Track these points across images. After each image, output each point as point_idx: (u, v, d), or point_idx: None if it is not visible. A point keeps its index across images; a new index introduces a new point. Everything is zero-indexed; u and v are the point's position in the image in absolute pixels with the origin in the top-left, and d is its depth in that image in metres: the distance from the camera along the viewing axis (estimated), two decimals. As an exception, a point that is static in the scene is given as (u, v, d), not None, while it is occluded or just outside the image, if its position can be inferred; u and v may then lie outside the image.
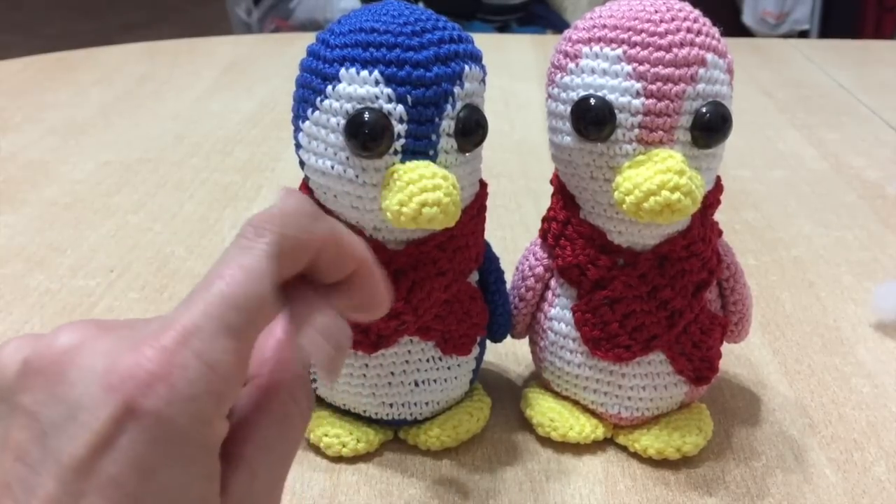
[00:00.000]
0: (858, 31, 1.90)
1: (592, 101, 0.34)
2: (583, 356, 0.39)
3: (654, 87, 0.33)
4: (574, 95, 0.35)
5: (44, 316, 0.52)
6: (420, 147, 0.33)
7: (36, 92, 0.94)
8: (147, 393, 0.20)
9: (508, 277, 0.42)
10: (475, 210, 0.37)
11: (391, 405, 0.39)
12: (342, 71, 0.33)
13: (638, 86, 0.34)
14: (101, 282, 0.56)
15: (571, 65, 0.35)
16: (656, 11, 0.34)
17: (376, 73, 0.33)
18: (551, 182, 0.40)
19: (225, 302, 0.21)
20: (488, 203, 0.39)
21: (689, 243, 0.37)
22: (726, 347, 0.42)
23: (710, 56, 0.34)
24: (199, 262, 0.58)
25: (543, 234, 0.40)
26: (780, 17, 1.93)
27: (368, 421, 0.40)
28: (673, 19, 0.34)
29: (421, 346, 0.38)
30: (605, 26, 0.34)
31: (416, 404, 0.39)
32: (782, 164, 0.76)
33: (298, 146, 0.36)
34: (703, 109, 0.34)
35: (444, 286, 0.37)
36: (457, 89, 0.34)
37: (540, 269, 0.40)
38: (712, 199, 0.37)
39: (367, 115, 0.32)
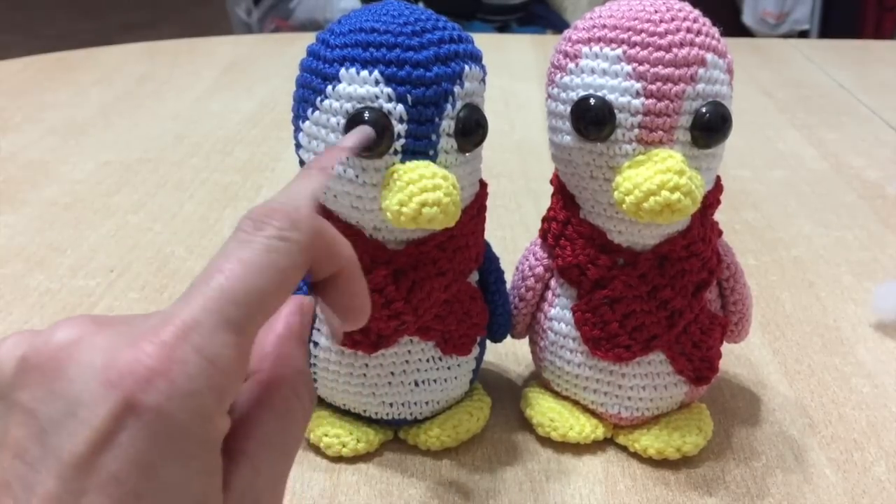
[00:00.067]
0: (858, 31, 1.90)
1: (592, 101, 0.34)
2: (583, 356, 0.39)
3: (653, 87, 0.33)
4: (574, 95, 0.35)
5: (44, 316, 0.52)
6: (420, 147, 0.33)
7: (36, 92, 0.94)
8: (147, 388, 0.20)
9: (508, 277, 0.42)
10: (475, 210, 0.37)
11: (391, 405, 0.39)
12: (342, 71, 0.33)
13: (638, 86, 0.34)
14: (101, 282, 0.56)
15: (571, 65, 0.35)
16: (656, 11, 0.34)
17: (376, 72, 0.33)
18: (551, 182, 0.40)
19: (224, 296, 0.21)
20: (488, 203, 0.39)
21: (689, 243, 0.37)
22: (726, 347, 0.42)
23: (710, 56, 0.34)
24: (199, 262, 0.58)
25: (543, 234, 0.40)
26: (780, 17, 1.93)
27: (368, 421, 0.40)
28: (673, 19, 0.34)
29: (421, 346, 0.38)
30: (604, 26, 0.34)
31: (416, 404, 0.39)
32: (782, 164, 0.76)
33: (298, 146, 0.36)
34: (703, 109, 0.34)
35: (444, 286, 0.37)
36: (457, 89, 0.34)
37: (540, 269, 0.40)
38: (712, 199, 0.37)
39: (367, 115, 0.32)
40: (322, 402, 0.41)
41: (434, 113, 0.33)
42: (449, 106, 0.34)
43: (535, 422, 0.41)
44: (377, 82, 0.33)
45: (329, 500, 0.38)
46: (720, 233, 0.39)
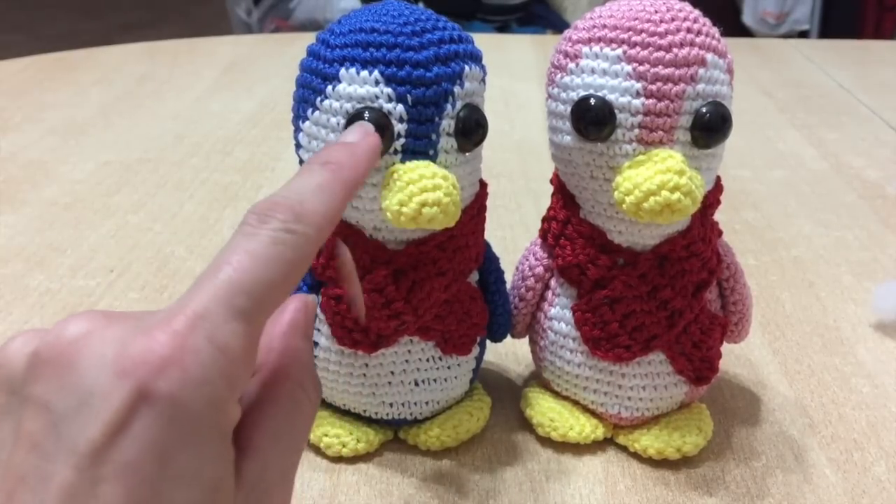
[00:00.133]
0: (858, 31, 1.90)
1: (592, 101, 0.34)
2: (583, 356, 0.39)
3: (654, 87, 0.33)
4: (574, 95, 0.35)
5: (44, 316, 0.52)
6: (420, 147, 0.33)
7: (36, 92, 0.94)
8: (160, 377, 0.20)
9: (508, 277, 0.42)
10: (475, 210, 0.37)
11: (391, 405, 0.39)
12: (342, 71, 0.33)
13: (638, 86, 0.34)
14: (101, 282, 0.56)
15: (571, 65, 0.35)
16: (656, 11, 0.34)
17: (376, 72, 0.33)
18: (551, 182, 0.40)
19: (233, 287, 0.21)
20: (488, 203, 0.39)
21: (689, 243, 0.37)
22: (726, 347, 0.42)
23: (710, 56, 0.34)
24: (199, 262, 0.58)
25: (543, 233, 0.40)
26: (780, 17, 1.93)
27: (368, 421, 0.40)
28: (673, 19, 0.34)
29: (421, 345, 0.38)
30: (605, 26, 0.34)
31: (416, 404, 0.39)
32: (782, 164, 0.76)
33: (298, 146, 0.36)
34: (703, 109, 0.34)
35: (444, 286, 0.37)
36: (457, 89, 0.34)
37: (540, 269, 0.40)
38: (712, 199, 0.37)
39: (367, 115, 0.32)
40: (322, 402, 0.41)
41: (434, 113, 0.33)
42: (449, 106, 0.34)
43: (535, 422, 0.41)
44: (377, 82, 0.33)
45: (329, 500, 0.38)
46: (720, 233, 0.39)
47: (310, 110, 0.34)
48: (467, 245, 0.37)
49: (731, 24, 1.91)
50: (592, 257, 0.37)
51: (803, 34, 1.94)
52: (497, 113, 0.85)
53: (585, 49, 0.35)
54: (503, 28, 1.94)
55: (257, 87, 0.97)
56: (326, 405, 0.41)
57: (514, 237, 0.61)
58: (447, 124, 0.34)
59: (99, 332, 0.21)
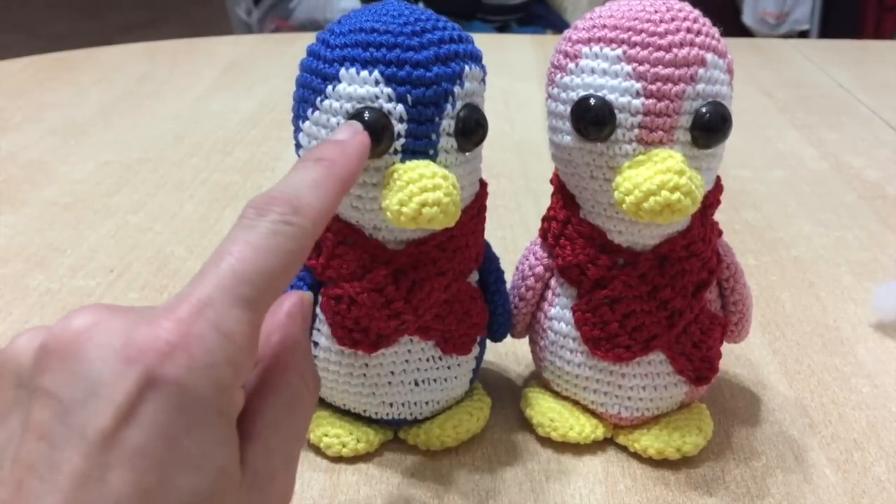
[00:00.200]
0: (858, 31, 1.91)
1: (592, 101, 0.34)
2: (583, 356, 0.39)
3: (653, 87, 0.33)
4: (574, 95, 0.35)
5: (44, 316, 0.52)
6: (420, 146, 0.33)
7: (36, 92, 0.94)
8: (166, 362, 0.20)
9: (508, 277, 0.42)
10: (475, 210, 0.37)
11: (391, 405, 0.39)
12: (342, 71, 0.33)
13: (638, 86, 0.34)
14: (101, 282, 0.56)
15: (571, 65, 0.35)
16: (656, 11, 0.34)
17: (376, 72, 0.33)
18: (551, 182, 0.40)
19: (236, 276, 0.22)
20: (488, 203, 0.39)
21: (689, 243, 0.37)
22: (726, 347, 0.42)
23: (710, 56, 0.34)
24: (199, 262, 0.58)
25: (543, 233, 0.40)
26: (780, 17, 1.93)
27: (368, 421, 0.40)
28: (673, 19, 0.34)
29: (421, 345, 0.38)
30: (604, 26, 0.34)
31: (416, 404, 0.39)
32: (782, 164, 0.76)
33: (298, 146, 0.36)
34: (703, 109, 0.34)
35: (444, 286, 0.37)
36: (457, 89, 0.34)
37: (540, 269, 0.40)
38: (712, 199, 0.37)
39: (367, 115, 0.32)
40: (322, 402, 0.41)
41: (434, 113, 0.33)
42: (449, 106, 0.34)
43: (535, 422, 0.41)
44: (377, 82, 0.33)
45: (329, 500, 0.38)
46: (720, 233, 0.39)
47: (310, 110, 0.34)
48: (467, 245, 0.37)
49: (731, 24, 1.91)
50: (592, 257, 0.37)
51: (803, 34, 1.94)
52: (497, 113, 0.85)
53: (585, 49, 0.35)
54: (503, 28, 1.94)
55: (257, 87, 0.97)
56: (326, 405, 0.41)
57: (514, 237, 0.61)
58: (447, 124, 0.34)
59: (105, 322, 0.21)
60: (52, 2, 3.17)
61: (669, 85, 0.33)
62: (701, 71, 0.34)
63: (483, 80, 0.36)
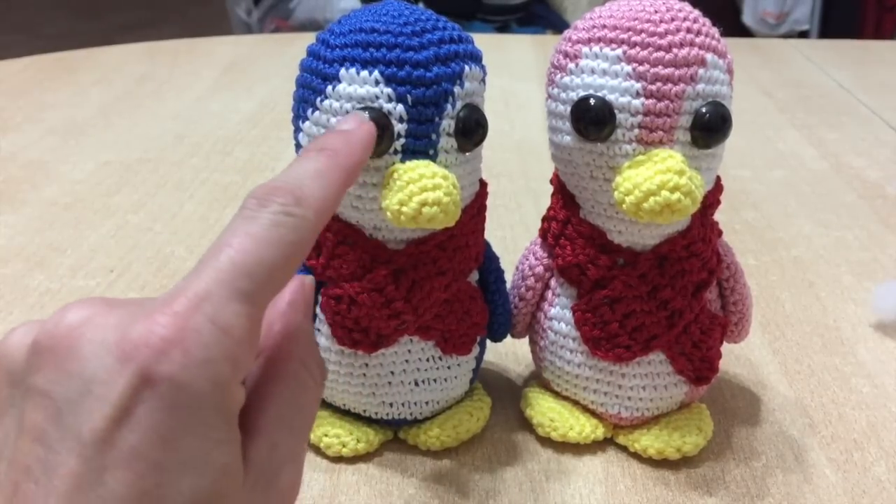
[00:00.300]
0: (858, 31, 1.90)
1: (592, 101, 0.34)
2: (583, 356, 0.39)
3: (653, 87, 0.33)
4: (574, 95, 0.35)
5: (44, 316, 0.51)
6: (420, 146, 0.33)
7: (36, 92, 0.94)
8: (161, 359, 0.19)
9: (508, 277, 0.42)
10: (475, 209, 0.37)
11: (391, 405, 0.39)
12: (342, 71, 0.33)
13: (638, 86, 0.34)
14: (101, 282, 0.56)
15: (571, 65, 0.35)
16: (656, 11, 0.34)
17: (376, 73, 0.33)
18: (551, 182, 0.40)
19: (235, 268, 0.21)
20: (488, 203, 0.39)
21: (689, 243, 0.37)
22: (726, 347, 0.42)
23: (709, 56, 0.34)
24: (199, 262, 0.58)
25: (543, 233, 0.40)
26: (780, 17, 1.93)
27: (368, 421, 0.40)
28: (673, 19, 0.34)
29: (421, 345, 0.38)
30: (604, 26, 0.34)
31: (416, 404, 0.39)
32: (782, 164, 0.76)
33: (298, 146, 0.36)
34: (703, 109, 0.34)
35: (444, 286, 0.37)
36: (457, 89, 0.34)
37: (540, 269, 0.40)
38: (712, 199, 0.37)
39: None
40: (322, 402, 0.41)
41: (434, 113, 0.33)
42: (449, 106, 0.34)
43: (535, 422, 0.41)
44: (377, 82, 0.33)
45: (329, 500, 0.38)
46: (720, 233, 0.39)
47: (310, 110, 0.34)
48: (467, 245, 0.37)
49: (731, 24, 1.91)
50: (592, 257, 0.37)
51: (803, 34, 1.94)
52: (497, 113, 0.84)
53: (585, 49, 0.35)
54: (503, 28, 1.94)
55: (257, 87, 0.97)
56: (326, 405, 0.41)
57: (514, 237, 0.61)
58: (447, 124, 0.34)
59: (99, 317, 0.21)
60: (52, 2, 3.17)
61: (669, 85, 0.33)
62: (701, 71, 0.34)
63: (483, 80, 0.36)
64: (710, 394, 0.44)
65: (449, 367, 0.39)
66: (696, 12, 0.35)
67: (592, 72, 0.34)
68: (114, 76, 1.00)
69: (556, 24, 1.94)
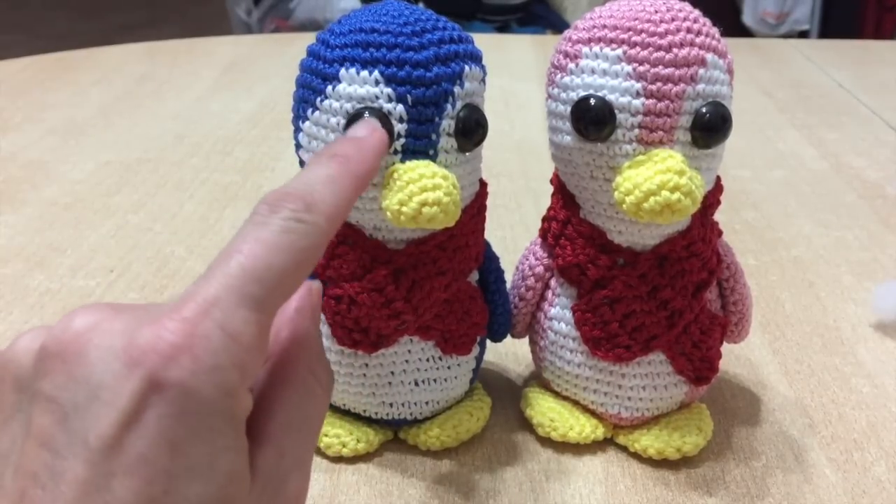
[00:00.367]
0: (858, 31, 1.91)
1: (592, 101, 0.34)
2: (583, 356, 0.39)
3: (654, 87, 0.33)
4: (574, 95, 0.35)
5: (44, 316, 0.52)
6: (420, 146, 0.33)
7: (36, 92, 0.94)
8: (169, 365, 0.19)
9: (508, 277, 0.42)
10: (475, 209, 0.37)
11: (391, 405, 0.39)
12: (342, 71, 0.33)
13: (638, 86, 0.34)
14: (101, 282, 0.56)
15: (571, 65, 0.35)
16: (656, 11, 0.34)
17: (376, 73, 0.33)
18: (551, 182, 0.40)
19: (245, 274, 0.21)
20: (488, 203, 0.39)
21: (689, 243, 0.37)
22: (726, 347, 0.42)
23: (710, 56, 0.34)
24: (199, 262, 0.58)
25: (543, 233, 0.40)
26: (780, 18, 1.93)
27: (368, 421, 0.40)
28: (673, 19, 0.34)
29: (421, 345, 0.38)
30: (605, 26, 0.34)
31: (416, 404, 0.39)
32: (782, 164, 0.76)
33: (298, 146, 0.36)
34: (703, 109, 0.34)
35: (444, 286, 0.37)
36: (457, 89, 0.34)
37: (540, 269, 0.40)
38: (712, 199, 0.37)
39: (367, 115, 0.32)
40: (322, 402, 0.41)
41: (434, 113, 0.33)
42: (449, 106, 0.34)
43: (535, 422, 0.41)
44: (377, 82, 0.33)
45: (329, 500, 0.38)
46: (720, 233, 0.39)
47: (310, 110, 0.34)
48: (467, 245, 0.37)
49: (731, 24, 1.91)
50: (592, 257, 0.37)
51: (803, 34, 1.94)
52: (497, 113, 0.85)
53: (585, 49, 0.35)
54: (503, 28, 1.94)
55: (257, 87, 0.97)
56: (326, 405, 0.41)
57: (514, 237, 0.61)
58: (447, 124, 0.34)
59: (107, 323, 0.21)
60: (52, 2, 3.17)
61: (669, 85, 0.33)
62: (701, 71, 0.34)
63: (483, 80, 0.36)
64: (710, 394, 0.44)
65: (449, 367, 0.39)
66: (697, 12, 0.35)
67: (592, 72, 0.34)
68: (114, 76, 1.00)
69: (556, 24, 1.94)
